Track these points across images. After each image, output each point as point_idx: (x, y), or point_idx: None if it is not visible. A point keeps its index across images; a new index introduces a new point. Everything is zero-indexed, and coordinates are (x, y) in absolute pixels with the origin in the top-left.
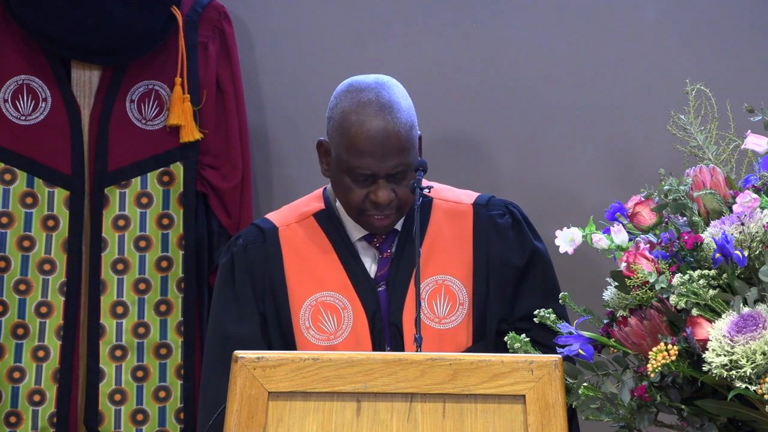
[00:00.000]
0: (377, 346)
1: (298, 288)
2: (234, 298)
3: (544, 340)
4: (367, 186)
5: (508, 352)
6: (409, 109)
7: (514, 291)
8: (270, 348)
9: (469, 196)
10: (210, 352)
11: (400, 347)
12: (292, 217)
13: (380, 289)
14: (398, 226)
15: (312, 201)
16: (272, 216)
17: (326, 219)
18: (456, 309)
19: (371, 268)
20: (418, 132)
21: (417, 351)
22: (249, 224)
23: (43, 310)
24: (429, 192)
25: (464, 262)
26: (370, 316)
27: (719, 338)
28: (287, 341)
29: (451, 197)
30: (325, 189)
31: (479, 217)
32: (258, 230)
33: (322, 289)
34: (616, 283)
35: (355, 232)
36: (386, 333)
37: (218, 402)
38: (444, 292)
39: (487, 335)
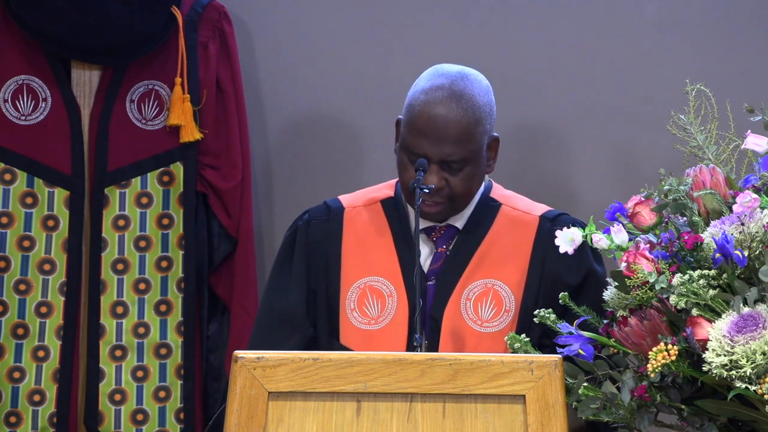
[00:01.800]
0: (413, 338)
1: (351, 269)
2: (288, 272)
3: None
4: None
5: None
6: (482, 105)
7: (562, 309)
8: (315, 325)
9: (539, 209)
10: (257, 322)
11: (435, 342)
12: (361, 200)
13: (429, 283)
14: (459, 224)
15: (384, 188)
16: (344, 197)
17: (392, 207)
18: (500, 315)
19: (425, 261)
20: (494, 134)
21: (417, 351)
22: (250, 224)
23: (43, 310)
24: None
25: (518, 271)
26: (411, 307)
27: (719, 338)
28: (332, 320)
29: (522, 207)
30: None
31: (543, 231)
32: (325, 208)
33: (372, 274)
34: (616, 283)
35: None
36: (426, 326)
37: None
38: (491, 296)
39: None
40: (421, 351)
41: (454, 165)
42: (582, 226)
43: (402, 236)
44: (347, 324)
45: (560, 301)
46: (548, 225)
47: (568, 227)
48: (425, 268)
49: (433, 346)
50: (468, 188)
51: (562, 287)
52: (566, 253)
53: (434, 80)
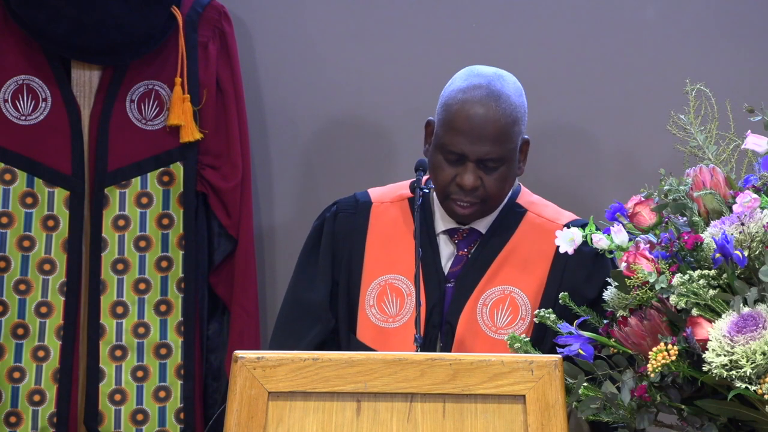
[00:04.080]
0: (428, 340)
1: (373, 265)
2: (314, 262)
3: None
4: (456, 168)
5: None
6: (518, 105)
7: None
8: (337, 317)
9: (566, 218)
10: (282, 311)
11: (449, 345)
12: (389, 195)
13: (448, 285)
14: (482, 228)
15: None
16: (373, 191)
17: (419, 205)
18: (516, 322)
19: (447, 263)
20: (525, 135)
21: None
22: (250, 224)
23: (43, 310)
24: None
25: (537, 280)
26: (429, 309)
27: (719, 338)
28: (351, 314)
29: (548, 215)
30: (429, 179)
31: None
32: (354, 201)
33: (393, 272)
34: (616, 283)
35: (442, 224)
36: (442, 329)
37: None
38: (508, 303)
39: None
40: (419, 351)
41: (491, 164)
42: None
43: (426, 235)
44: (365, 320)
45: (560, 301)
46: None
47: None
48: (445, 270)
49: (447, 350)
50: (501, 189)
51: (578, 299)
52: (586, 264)
53: (471, 80)
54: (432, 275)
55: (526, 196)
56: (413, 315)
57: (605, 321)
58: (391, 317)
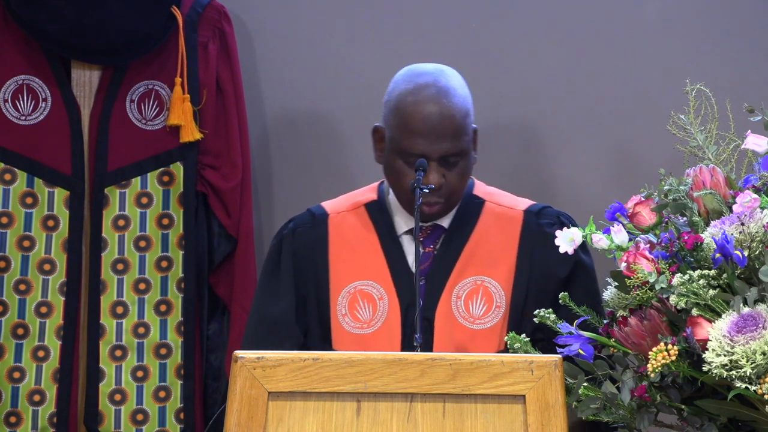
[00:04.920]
0: (407, 339)
1: (340, 274)
2: (276, 279)
3: None
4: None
5: None
6: (466, 97)
7: (553, 302)
8: (306, 331)
9: (524, 204)
10: (248, 330)
11: (429, 341)
12: (344, 205)
13: (420, 283)
14: (445, 224)
15: (367, 192)
16: (327, 203)
17: (377, 210)
18: (492, 311)
19: (413, 262)
20: (474, 125)
21: (417, 351)
22: (250, 224)
23: (43, 310)
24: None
25: (506, 266)
26: (404, 308)
27: (719, 338)
28: (324, 326)
29: (506, 203)
30: (381, 182)
31: (528, 225)
32: (309, 215)
33: (361, 278)
34: (616, 283)
35: (403, 225)
36: (419, 326)
37: None
38: (481, 293)
39: None
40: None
41: (452, 159)
42: (567, 217)
43: (389, 238)
44: (339, 329)
45: (560, 301)
46: (533, 219)
47: (555, 219)
48: (413, 269)
49: (428, 346)
50: (463, 183)
51: (551, 280)
52: (554, 245)
53: (416, 80)
54: (401, 276)
55: (481, 188)
56: (389, 317)
57: (605, 321)
58: (365, 323)
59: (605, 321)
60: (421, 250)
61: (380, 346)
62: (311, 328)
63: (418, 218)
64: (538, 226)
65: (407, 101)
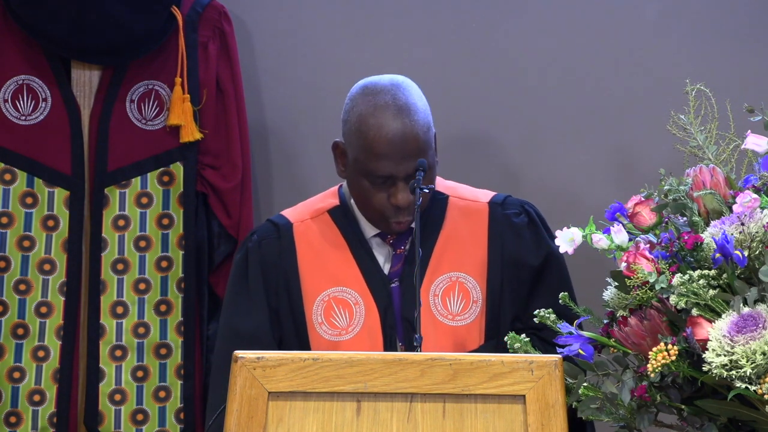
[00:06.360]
0: (388, 342)
1: (312, 283)
2: (245, 293)
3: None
4: (385, 189)
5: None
6: (425, 109)
7: (529, 291)
8: (280, 343)
9: (485, 195)
10: (219, 346)
11: (411, 342)
12: (306, 213)
13: (393, 285)
14: (413, 224)
15: (327, 198)
16: (288, 212)
17: (341, 215)
18: (469, 306)
19: (385, 264)
20: (434, 130)
21: (417, 351)
22: (250, 224)
23: (43, 310)
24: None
25: (478, 260)
26: (382, 312)
27: (719, 338)
28: (300, 336)
29: (468, 195)
30: (340, 186)
31: (495, 216)
32: (273, 226)
33: (334, 285)
34: (616, 283)
35: (369, 229)
36: (398, 328)
37: (224, 397)
38: (458, 289)
39: (500, 333)
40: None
41: (419, 174)
42: (530, 206)
43: (357, 243)
44: (317, 338)
45: (560, 301)
46: (499, 209)
47: (520, 208)
48: (386, 271)
49: (411, 347)
50: (431, 191)
51: (524, 269)
52: (523, 235)
53: (373, 99)
54: (375, 279)
55: (442, 183)
56: (367, 322)
57: (605, 321)
58: (343, 330)
59: (605, 321)
60: (392, 252)
61: (362, 351)
62: (286, 340)
63: (418, 218)
64: (505, 217)
65: (369, 123)
